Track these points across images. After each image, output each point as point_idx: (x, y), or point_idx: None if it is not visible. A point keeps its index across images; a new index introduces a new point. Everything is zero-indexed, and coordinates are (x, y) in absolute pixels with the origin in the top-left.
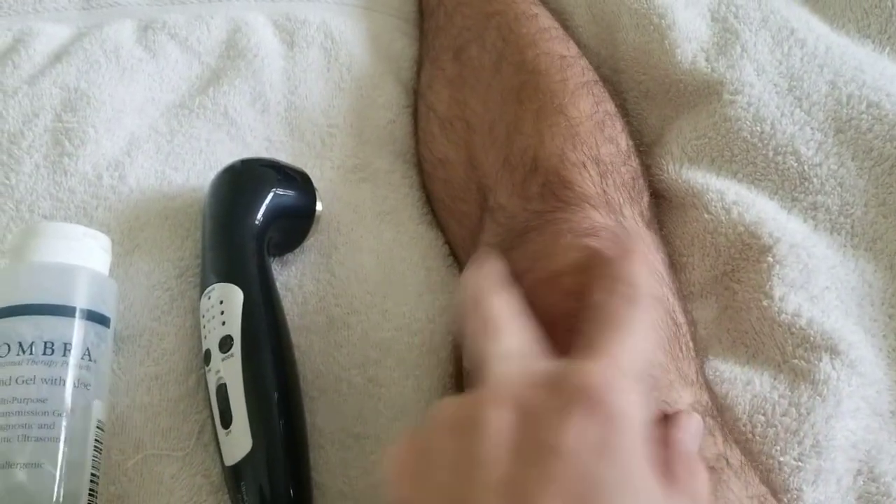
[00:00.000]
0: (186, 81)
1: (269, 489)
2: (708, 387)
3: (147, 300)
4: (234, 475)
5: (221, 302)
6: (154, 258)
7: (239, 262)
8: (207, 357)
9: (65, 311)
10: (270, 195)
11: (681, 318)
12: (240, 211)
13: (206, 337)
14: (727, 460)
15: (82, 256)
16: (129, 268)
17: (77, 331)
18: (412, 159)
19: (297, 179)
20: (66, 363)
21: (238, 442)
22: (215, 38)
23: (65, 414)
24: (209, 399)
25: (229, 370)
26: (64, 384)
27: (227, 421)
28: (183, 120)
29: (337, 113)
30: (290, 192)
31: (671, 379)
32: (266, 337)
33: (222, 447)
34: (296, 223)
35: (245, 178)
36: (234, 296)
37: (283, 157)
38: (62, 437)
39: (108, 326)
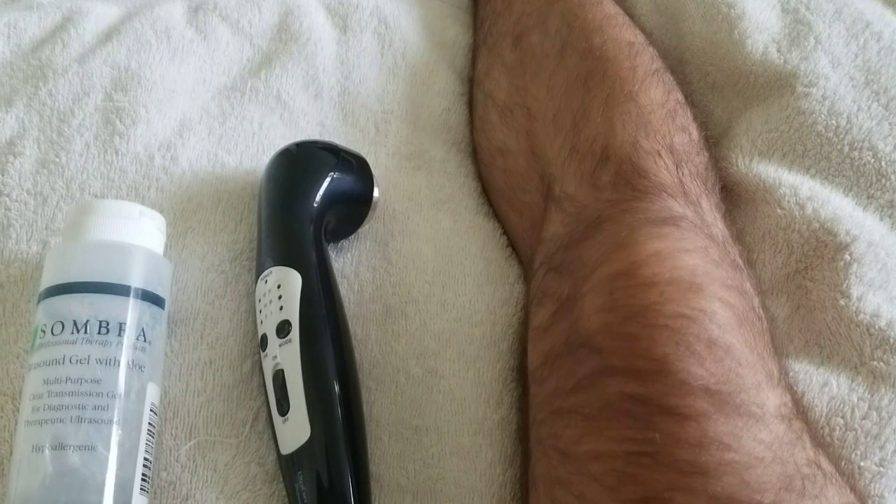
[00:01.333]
0: (238, 64)
1: (327, 479)
2: (790, 387)
3: (201, 283)
4: (291, 464)
5: (279, 286)
6: (208, 241)
7: (297, 245)
8: (264, 342)
9: (120, 290)
10: (328, 179)
11: (762, 313)
12: (297, 194)
13: (262, 322)
14: (819, 466)
15: (138, 235)
16: (183, 250)
17: (132, 311)
18: (467, 148)
19: (354, 164)
20: (121, 343)
21: (296, 430)
22: (266, 20)
23: (119, 396)
24: (265, 385)
25: (287, 356)
26: (118, 365)
27: (284, 408)
28: (235, 102)
29: (391, 99)
30: (348, 177)
31: (759, 379)
32: (325, 323)
33: (279, 435)
34: (353, 209)
35: (302, 161)
36: (292, 280)
37: (338, 141)
38: (116, 420)
39: (162, 308)
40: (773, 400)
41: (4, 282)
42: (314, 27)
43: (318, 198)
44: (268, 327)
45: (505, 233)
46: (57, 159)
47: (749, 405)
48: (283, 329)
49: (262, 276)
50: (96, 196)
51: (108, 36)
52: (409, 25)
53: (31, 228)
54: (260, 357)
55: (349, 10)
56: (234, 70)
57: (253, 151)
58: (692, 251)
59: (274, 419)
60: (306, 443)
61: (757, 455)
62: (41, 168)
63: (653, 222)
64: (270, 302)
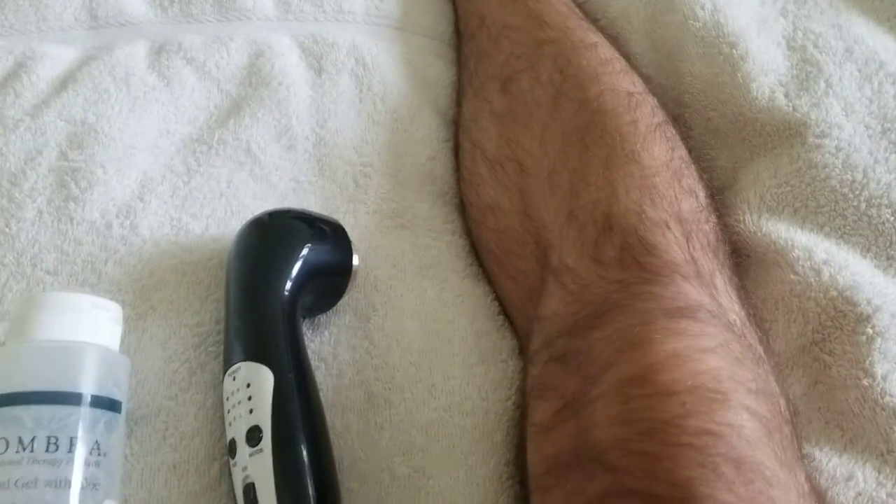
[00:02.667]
0: (204, 112)
1: None
2: (817, 493)
3: (163, 374)
4: None
5: (248, 385)
6: (170, 323)
7: (269, 337)
8: (233, 449)
9: (70, 399)
10: (303, 253)
11: (787, 414)
12: (269, 275)
13: (230, 424)
14: None
15: (90, 332)
16: (142, 335)
17: (84, 421)
18: (453, 200)
19: (330, 232)
20: (73, 460)
21: None
22: (236, 62)
23: None
24: (234, 496)
25: (258, 467)
26: (70, 486)
27: None
28: (201, 157)
29: (371, 150)
30: (325, 248)
31: (790, 499)
32: (300, 428)
33: None
34: (332, 281)
35: (273, 235)
36: (263, 378)
37: (313, 199)
38: None
39: (119, 412)
40: None
41: None
42: (287, 70)
43: (292, 277)
44: (237, 432)
45: (497, 298)
46: (7, 229)
47: None
48: (253, 436)
49: (229, 372)
50: (49, 272)
51: (64, 84)
52: (389, 65)
53: None
54: (230, 465)
55: (324, 49)
56: (200, 119)
57: (220, 214)
58: (713, 350)
59: None
60: None
61: None
62: None
63: (667, 314)
64: (239, 403)
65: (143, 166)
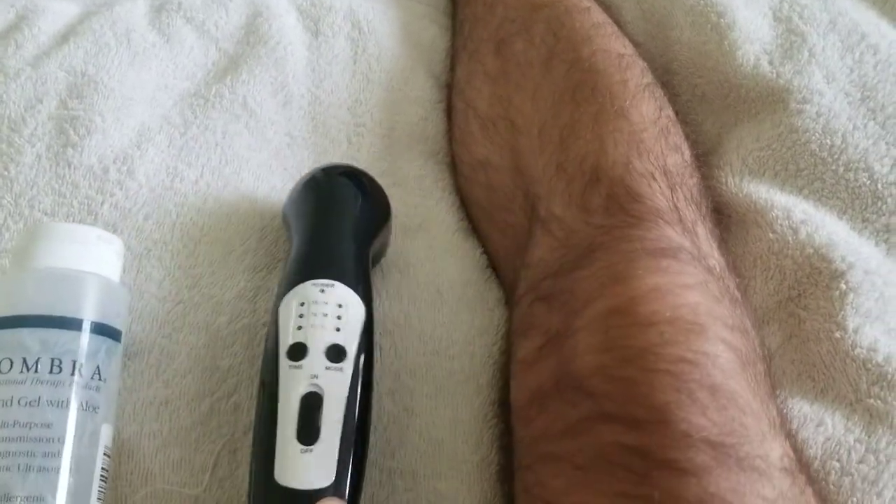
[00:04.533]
0: (202, 69)
1: None
2: (792, 434)
3: (157, 313)
4: (300, 502)
5: (340, 306)
6: (165, 265)
7: (365, 276)
8: (299, 353)
9: (74, 325)
10: (379, 209)
11: (761, 352)
12: (355, 220)
13: (301, 328)
14: None
15: (94, 262)
16: (138, 274)
17: (87, 347)
18: (445, 160)
19: (378, 188)
20: (74, 383)
21: (318, 467)
22: (234, 22)
23: (71, 441)
24: (271, 402)
25: (333, 383)
26: (71, 407)
27: (309, 437)
28: (198, 110)
29: (364, 110)
30: (381, 202)
31: (763, 429)
32: (372, 365)
33: (288, 463)
34: (385, 234)
35: (351, 187)
36: (356, 308)
37: (306, 154)
38: (67, 467)
39: (119, 341)
40: (776, 451)
41: None
42: (284, 30)
43: (377, 230)
44: (314, 342)
45: (485, 252)
46: (6, 172)
47: (753, 458)
48: (335, 352)
49: (316, 283)
50: (46, 214)
51: (65, 37)
52: (384, 28)
53: None
54: (280, 365)
55: (322, 12)
56: (198, 75)
57: (215, 163)
58: (692, 287)
59: (282, 442)
60: (328, 487)
61: None
62: None
63: (650, 253)
64: (325, 315)
65: (141, 117)
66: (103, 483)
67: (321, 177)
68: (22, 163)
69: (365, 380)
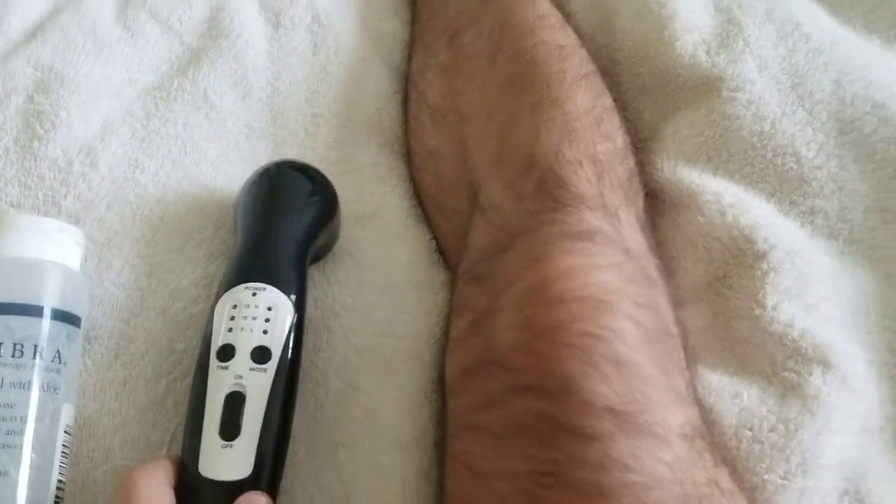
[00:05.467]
0: (166, 62)
1: None
2: (698, 402)
3: (116, 300)
4: (219, 493)
5: (269, 309)
6: (124, 254)
7: (298, 278)
8: (227, 355)
9: (35, 311)
10: (314, 202)
11: (674, 329)
12: (296, 219)
13: (231, 330)
14: (718, 485)
15: (55, 252)
16: (98, 263)
17: (47, 332)
18: (400, 149)
19: (328, 185)
20: (35, 366)
21: (237, 461)
22: (197, 16)
23: (33, 419)
24: (199, 399)
25: (255, 383)
26: (32, 388)
27: (231, 433)
28: (160, 102)
29: (322, 101)
30: (326, 198)
31: (664, 399)
32: (297, 367)
33: (210, 457)
34: (331, 234)
35: (298, 184)
36: (284, 310)
37: (264, 145)
38: (30, 445)
39: (79, 327)
40: (677, 419)
41: None
42: (245, 24)
43: (316, 226)
44: (241, 343)
45: (434, 237)
46: None
47: (653, 425)
48: (260, 354)
49: (249, 286)
50: (13, 205)
51: (34, 33)
52: (344, 20)
53: None
54: (209, 365)
55: (283, 5)
56: (162, 68)
57: (175, 155)
58: (605, 267)
59: (206, 438)
60: (246, 479)
61: (658, 476)
62: None
63: (568, 236)
64: (254, 318)
65: (106, 110)
66: (65, 459)
67: (269, 174)
68: None
69: (289, 379)
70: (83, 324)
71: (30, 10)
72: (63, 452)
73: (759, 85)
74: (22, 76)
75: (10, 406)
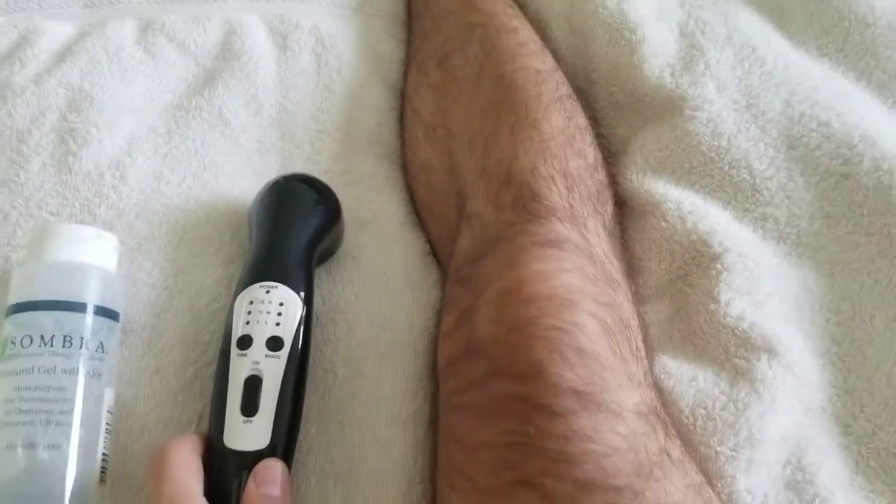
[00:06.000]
0: (184, 83)
1: None
2: (655, 386)
3: (147, 298)
4: (239, 462)
5: (281, 304)
6: (153, 257)
7: (306, 277)
8: (245, 344)
9: (80, 308)
10: (324, 212)
11: (633, 323)
12: (303, 226)
13: (248, 323)
14: (668, 454)
15: (95, 256)
16: (131, 265)
17: (91, 325)
18: (398, 161)
19: (331, 195)
20: (82, 355)
21: (256, 434)
22: (212, 39)
23: (80, 401)
24: (223, 381)
25: (270, 368)
26: (80, 374)
27: (250, 410)
28: (180, 121)
29: (326, 118)
30: (331, 207)
31: (620, 381)
32: (309, 352)
33: (232, 431)
34: (335, 238)
35: (304, 195)
36: (294, 305)
37: (275, 158)
38: (78, 422)
39: (117, 321)
40: (632, 398)
41: None
42: (255, 47)
43: (323, 232)
44: (257, 334)
45: (428, 241)
46: (16, 178)
47: (610, 403)
48: (274, 343)
49: (263, 285)
50: (52, 213)
51: (63, 56)
52: (345, 43)
53: None
54: (231, 354)
55: (289, 29)
56: (180, 88)
57: (195, 168)
58: (570, 271)
59: (229, 415)
60: (264, 449)
61: (614, 445)
62: (2, 187)
63: (539, 244)
64: (268, 313)
65: (130, 128)
66: (108, 436)
67: (278, 186)
68: (30, 170)
69: (299, 365)
70: (120, 318)
71: (58, 34)
72: (106, 430)
73: (717, 104)
74: (55, 96)
75: (62, 389)
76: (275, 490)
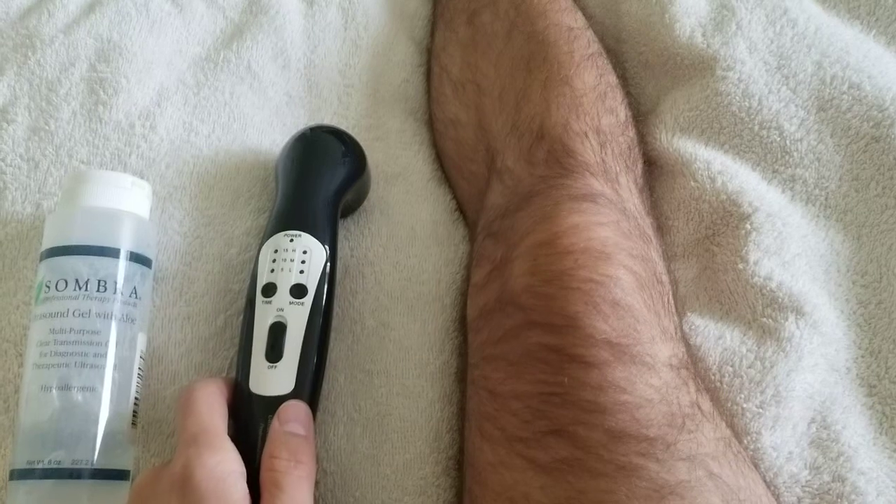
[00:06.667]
0: (212, 35)
1: None
2: (685, 341)
3: (179, 246)
4: (265, 406)
5: (305, 252)
6: (184, 206)
7: (330, 225)
8: (270, 291)
9: (115, 253)
10: (348, 164)
11: (665, 278)
12: (329, 177)
13: (273, 271)
14: (699, 407)
15: (129, 203)
16: (162, 214)
17: (125, 271)
18: (423, 117)
19: (357, 147)
20: (116, 299)
21: (280, 379)
22: None
23: (114, 344)
24: (249, 328)
25: (295, 315)
26: (114, 318)
27: (275, 356)
28: (209, 73)
29: (353, 73)
30: (356, 158)
31: (653, 334)
32: (332, 299)
33: (258, 377)
34: (361, 190)
35: (330, 146)
36: (318, 253)
37: (302, 112)
38: (112, 365)
39: (150, 268)
40: (665, 351)
41: (3, 240)
42: (283, 1)
43: (346, 182)
44: (281, 282)
45: (454, 197)
46: (46, 126)
47: (643, 355)
48: (298, 291)
49: (287, 234)
50: (83, 162)
51: (91, 7)
52: None
53: (25, 192)
54: (256, 301)
55: None
56: (208, 41)
57: (224, 120)
58: (605, 224)
59: (255, 361)
60: (289, 394)
61: (647, 397)
62: (32, 135)
63: (574, 198)
64: (292, 261)
65: (160, 79)
66: (140, 380)
67: (305, 137)
68: (60, 118)
69: (324, 312)
70: (153, 265)
71: None
72: (139, 374)
73: (749, 65)
74: (84, 46)
75: (96, 332)
76: (299, 428)
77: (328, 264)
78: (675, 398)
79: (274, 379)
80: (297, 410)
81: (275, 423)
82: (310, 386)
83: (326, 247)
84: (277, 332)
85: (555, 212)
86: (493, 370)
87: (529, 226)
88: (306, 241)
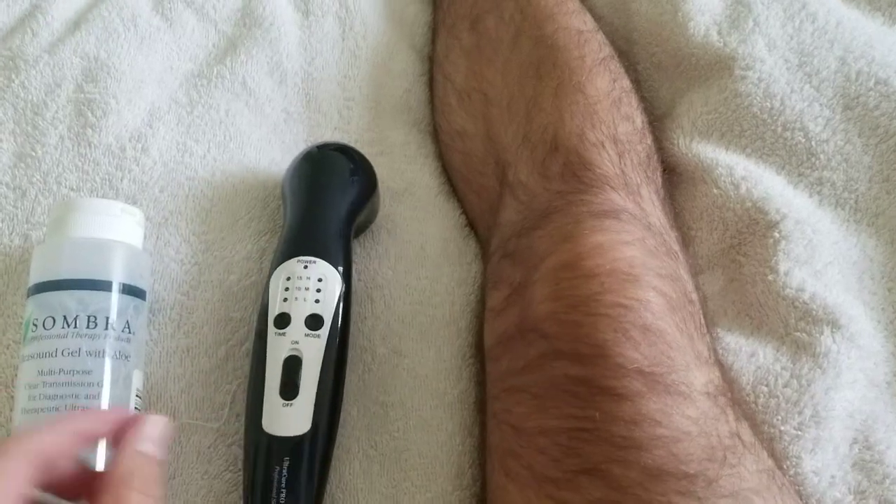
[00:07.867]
0: (204, 50)
1: (315, 472)
2: (720, 364)
3: (176, 275)
4: (279, 447)
5: (320, 280)
6: (181, 232)
7: (345, 252)
8: (284, 322)
9: (105, 286)
10: (360, 183)
11: (695, 297)
12: (340, 197)
13: (286, 300)
14: (740, 437)
15: (120, 232)
16: (157, 241)
17: (117, 304)
18: (427, 128)
19: (367, 164)
20: (108, 336)
21: (297, 417)
22: (231, 5)
23: (108, 384)
24: (260, 362)
25: (310, 347)
26: (106, 356)
27: (290, 394)
28: (202, 90)
29: (353, 84)
30: (367, 177)
31: (688, 360)
32: (348, 331)
33: (271, 416)
34: (372, 210)
35: (339, 165)
36: (333, 280)
37: (301, 129)
38: (106, 407)
39: (144, 300)
40: (700, 378)
41: None
42: (277, 12)
43: (360, 205)
44: (296, 312)
45: (464, 212)
46: (33, 153)
47: (678, 384)
48: (313, 321)
49: (301, 260)
50: (72, 189)
51: (76, 24)
52: (370, 6)
53: (12, 222)
54: (268, 333)
55: None
56: (200, 56)
57: (220, 139)
58: (630, 243)
59: (269, 399)
60: (306, 434)
61: (684, 430)
62: (18, 161)
63: (595, 215)
64: (307, 289)
65: (151, 98)
66: None
67: (312, 156)
68: (47, 143)
69: (340, 343)
70: (147, 297)
71: (71, 1)
72: None
73: (769, 63)
74: (70, 66)
75: (88, 372)
76: (152, 448)
77: (344, 292)
78: (713, 429)
79: (290, 418)
80: (153, 427)
81: (130, 440)
82: (327, 424)
83: (341, 273)
84: (293, 366)
85: (576, 231)
86: (515, 403)
87: (549, 246)
88: (321, 267)
